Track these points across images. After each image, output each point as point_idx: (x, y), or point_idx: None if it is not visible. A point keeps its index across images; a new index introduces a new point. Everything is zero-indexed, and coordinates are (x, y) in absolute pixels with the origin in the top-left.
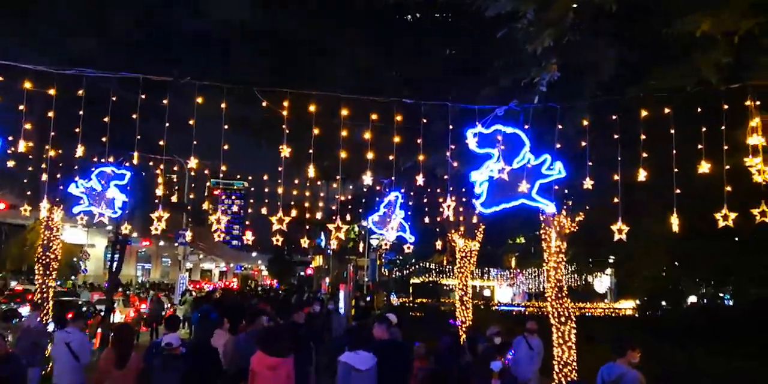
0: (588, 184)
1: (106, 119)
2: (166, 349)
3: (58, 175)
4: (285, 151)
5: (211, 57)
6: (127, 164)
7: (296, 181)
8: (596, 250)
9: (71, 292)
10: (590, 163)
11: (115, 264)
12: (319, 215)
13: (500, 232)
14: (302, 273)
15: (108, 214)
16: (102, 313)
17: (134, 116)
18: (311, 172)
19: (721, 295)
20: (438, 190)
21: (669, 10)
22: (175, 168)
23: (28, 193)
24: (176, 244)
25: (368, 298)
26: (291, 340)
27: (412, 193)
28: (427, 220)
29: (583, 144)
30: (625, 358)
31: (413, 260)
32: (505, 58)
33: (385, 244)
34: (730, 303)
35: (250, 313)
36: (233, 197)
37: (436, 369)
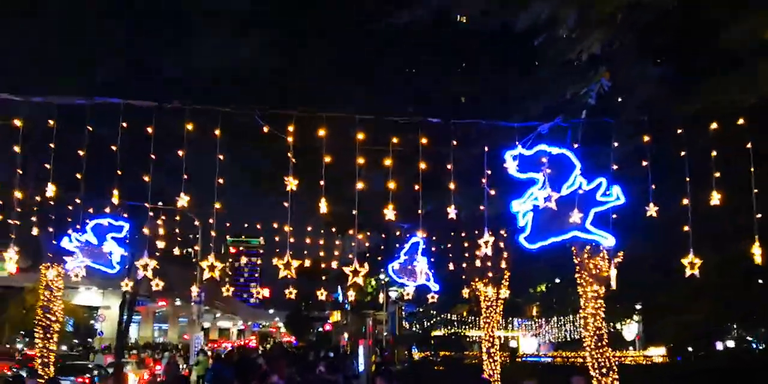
0: (652, 210)
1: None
2: None
3: (51, 229)
4: (292, 183)
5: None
6: (125, 215)
7: (309, 228)
8: (631, 294)
9: (82, 355)
10: (653, 186)
11: (123, 325)
12: (334, 264)
13: (523, 278)
14: (320, 329)
15: (106, 270)
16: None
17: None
18: (323, 207)
19: (749, 338)
20: (462, 234)
21: (720, 19)
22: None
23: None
24: (191, 303)
25: (386, 353)
26: None
27: (434, 238)
28: (451, 266)
29: (644, 163)
30: None
31: (434, 312)
32: (539, 74)
33: (407, 295)
34: (760, 346)
35: (261, 372)
36: (250, 256)
37: None
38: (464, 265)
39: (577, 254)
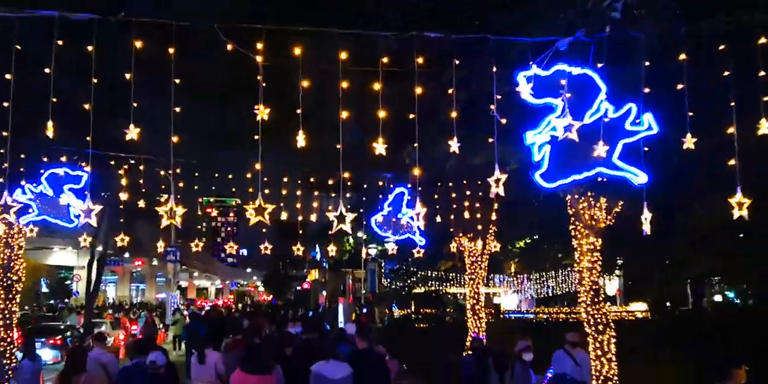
0: (690, 142)
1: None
2: (151, 367)
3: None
4: (262, 112)
5: None
6: (83, 165)
7: (285, 179)
8: (620, 248)
9: (57, 317)
10: (690, 114)
11: (92, 284)
12: (314, 218)
13: (509, 232)
14: (299, 287)
15: (63, 224)
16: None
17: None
18: (300, 140)
19: (727, 294)
20: (450, 184)
21: None
22: (162, 173)
23: None
24: (166, 262)
25: (365, 310)
26: (271, 356)
27: (420, 189)
28: (438, 219)
29: (680, 86)
30: (732, 380)
31: (415, 269)
32: None
33: (392, 250)
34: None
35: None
36: (226, 216)
37: None
38: (451, 217)
39: (572, 204)
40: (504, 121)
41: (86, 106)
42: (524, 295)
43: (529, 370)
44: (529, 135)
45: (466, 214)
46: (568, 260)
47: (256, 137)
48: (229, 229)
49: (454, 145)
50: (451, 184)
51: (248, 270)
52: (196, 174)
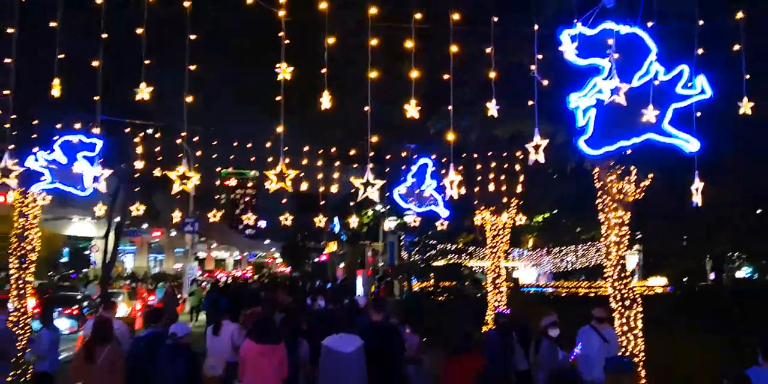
0: (746, 107)
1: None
2: (172, 338)
3: (11, 147)
4: (285, 71)
5: None
6: (97, 131)
7: (305, 148)
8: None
9: (72, 286)
10: (748, 77)
11: (108, 255)
12: (334, 189)
13: (532, 206)
14: (316, 260)
15: (77, 192)
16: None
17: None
18: (325, 101)
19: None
20: (474, 156)
21: None
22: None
23: None
24: (184, 233)
25: (384, 282)
26: (281, 327)
27: (444, 160)
28: (463, 191)
29: (736, 47)
30: None
31: (434, 242)
32: None
33: (414, 221)
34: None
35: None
36: (245, 188)
37: (485, 374)
38: (474, 190)
39: (599, 177)
40: (546, 82)
41: (94, 64)
42: (543, 269)
43: (557, 347)
44: (573, 98)
45: (491, 187)
46: (587, 234)
47: (278, 98)
48: (247, 199)
49: (492, 109)
50: (475, 156)
51: (266, 242)
52: (215, 142)
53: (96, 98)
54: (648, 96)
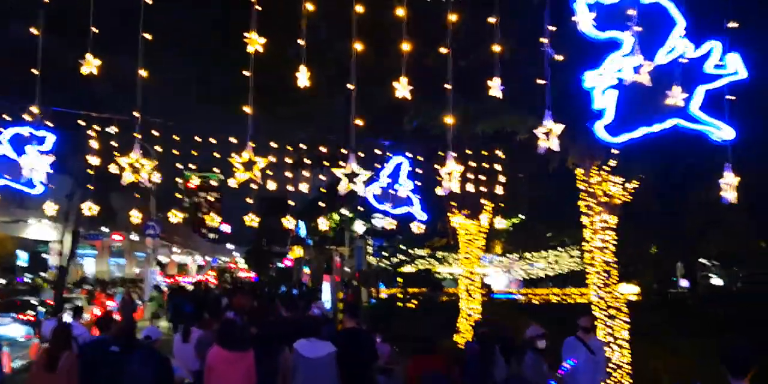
0: None
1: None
2: (146, 342)
3: None
4: (254, 42)
5: None
6: (48, 124)
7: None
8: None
9: (31, 290)
10: None
11: (65, 259)
12: (304, 188)
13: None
14: (281, 264)
15: (26, 190)
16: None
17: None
18: (303, 78)
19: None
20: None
21: None
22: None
23: None
24: (145, 236)
25: (349, 290)
26: (249, 333)
27: (419, 158)
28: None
29: None
30: None
31: (405, 247)
32: None
33: (390, 224)
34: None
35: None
36: (209, 191)
37: None
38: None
39: (583, 177)
40: (560, 57)
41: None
42: (513, 275)
43: (542, 360)
44: (589, 77)
45: (469, 187)
46: (556, 240)
47: (247, 73)
48: (211, 201)
49: (496, 89)
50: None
51: (229, 246)
52: (175, 137)
53: (36, 72)
54: (674, 76)
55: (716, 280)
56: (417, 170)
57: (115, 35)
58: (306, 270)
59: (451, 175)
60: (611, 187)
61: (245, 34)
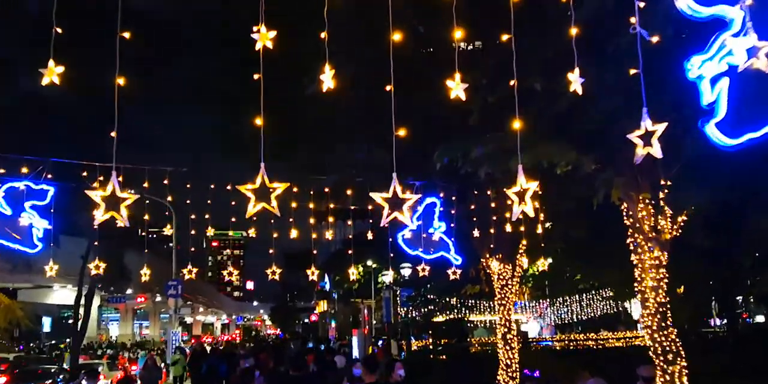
0: None
1: None
2: None
3: None
4: (265, 37)
5: None
6: (49, 177)
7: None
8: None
9: (47, 359)
10: None
11: (80, 322)
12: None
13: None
14: (306, 320)
15: (24, 250)
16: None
17: None
18: (327, 79)
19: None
20: (488, 193)
21: None
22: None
23: None
24: (167, 297)
25: (379, 343)
26: None
27: (453, 198)
28: (477, 233)
29: None
30: None
31: (435, 296)
32: None
33: (423, 271)
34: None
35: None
36: (233, 249)
37: None
38: (491, 231)
39: (629, 212)
40: (656, 39)
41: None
42: (546, 321)
43: None
44: (696, 63)
45: (507, 228)
46: (585, 284)
47: (256, 77)
48: (235, 260)
49: (576, 83)
50: (489, 193)
51: (254, 303)
52: (188, 185)
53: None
54: None
55: (760, 318)
56: (450, 211)
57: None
58: (332, 324)
59: (524, 194)
60: (660, 221)
61: (254, 31)
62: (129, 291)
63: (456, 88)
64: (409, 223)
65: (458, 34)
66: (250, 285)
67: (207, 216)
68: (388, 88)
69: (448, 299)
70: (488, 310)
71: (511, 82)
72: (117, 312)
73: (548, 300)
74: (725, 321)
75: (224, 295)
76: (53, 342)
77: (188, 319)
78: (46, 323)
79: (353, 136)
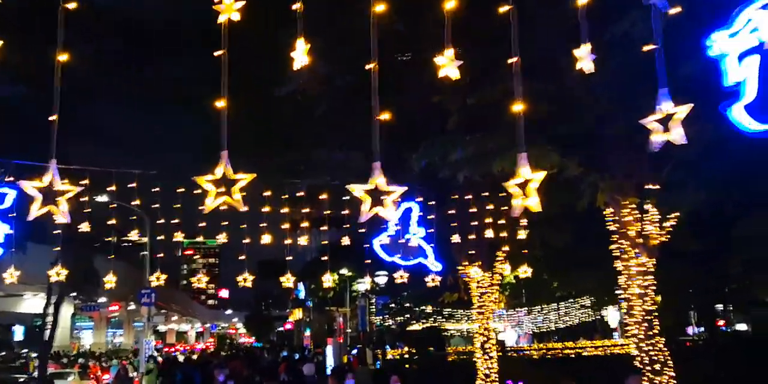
0: None
1: None
2: None
3: None
4: (231, 8)
5: None
6: (10, 179)
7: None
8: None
9: (17, 368)
10: None
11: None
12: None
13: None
14: (281, 328)
15: None
16: None
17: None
18: (300, 54)
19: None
20: (467, 197)
21: None
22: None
23: None
24: (141, 305)
25: (354, 352)
26: None
27: (431, 203)
28: (457, 238)
29: None
30: None
31: (411, 304)
32: None
33: (401, 277)
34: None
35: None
36: (207, 258)
37: None
38: (472, 236)
39: (615, 217)
40: (676, 9)
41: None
42: (523, 330)
43: None
44: (718, 39)
45: (488, 233)
46: (562, 292)
47: (217, 53)
48: (208, 268)
49: (585, 59)
50: (469, 197)
51: (228, 312)
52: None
53: None
54: None
55: (741, 326)
56: (428, 216)
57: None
58: (307, 333)
59: (527, 186)
60: (647, 226)
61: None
62: (102, 299)
63: (448, 64)
64: (393, 218)
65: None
66: (224, 293)
67: (176, 220)
68: (368, 66)
69: (423, 307)
70: (465, 318)
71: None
72: (91, 320)
73: (526, 308)
74: (702, 329)
75: (198, 304)
76: (25, 351)
77: (162, 327)
78: (18, 332)
79: (328, 139)
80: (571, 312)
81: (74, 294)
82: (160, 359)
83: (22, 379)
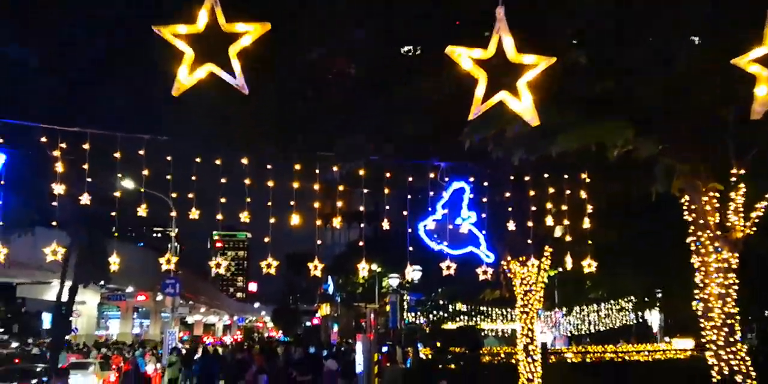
0: None
1: None
2: None
3: None
4: None
5: None
6: None
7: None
8: None
9: (39, 356)
10: None
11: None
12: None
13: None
14: (308, 323)
15: None
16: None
17: None
18: None
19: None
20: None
21: None
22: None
23: None
24: (165, 295)
25: (384, 350)
26: None
27: (485, 184)
28: (512, 226)
29: None
30: None
31: (446, 301)
32: None
33: (447, 268)
34: None
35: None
36: (236, 250)
37: None
38: (529, 224)
39: (692, 205)
40: None
41: None
42: (560, 332)
43: None
44: None
45: (549, 221)
46: (595, 293)
47: None
48: (239, 264)
49: None
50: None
51: (256, 305)
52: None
53: None
54: None
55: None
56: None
57: None
58: (335, 328)
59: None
60: (730, 216)
61: None
62: (130, 289)
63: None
64: (533, 119)
65: None
66: (253, 287)
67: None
68: None
69: (459, 305)
70: (501, 318)
71: None
72: (118, 310)
73: (564, 309)
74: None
75: (226, 296)
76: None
77: (189, 318)
78: (46, 320)
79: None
80: (611, 314)
81: (102, 283)
82: (183, 351)
83: (38, 369)
